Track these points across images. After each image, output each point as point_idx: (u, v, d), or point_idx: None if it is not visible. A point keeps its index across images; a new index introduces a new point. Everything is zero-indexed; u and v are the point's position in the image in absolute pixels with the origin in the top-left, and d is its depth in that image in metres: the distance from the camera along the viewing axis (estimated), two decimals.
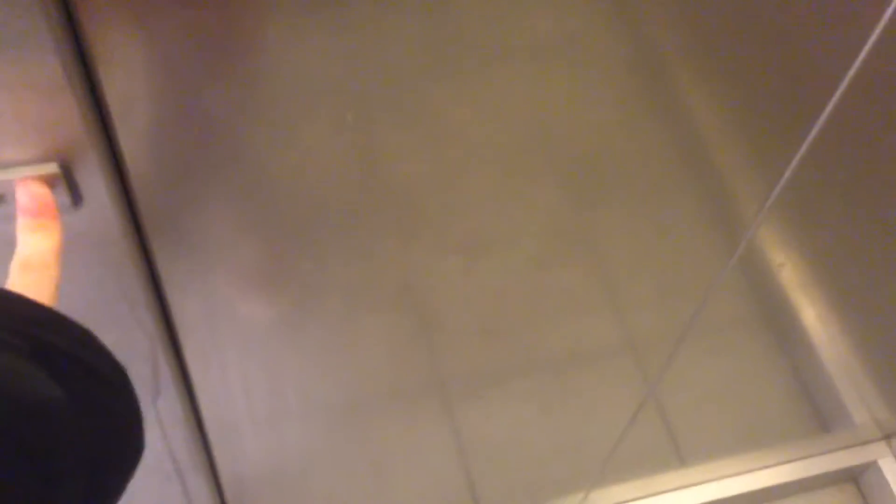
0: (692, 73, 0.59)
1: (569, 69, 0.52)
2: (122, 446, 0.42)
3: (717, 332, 1.02)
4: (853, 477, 1.25)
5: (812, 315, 1.09)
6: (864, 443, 1.23)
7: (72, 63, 0.40)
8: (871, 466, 1.23)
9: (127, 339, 0.57)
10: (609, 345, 0.96)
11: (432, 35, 0.46)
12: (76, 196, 0.45)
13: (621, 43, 0.52)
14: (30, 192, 0.43)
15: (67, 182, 0.44)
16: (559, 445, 1.09)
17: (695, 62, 0.57)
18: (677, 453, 1.19)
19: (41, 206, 0.43)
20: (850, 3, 0.54)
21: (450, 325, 0.75)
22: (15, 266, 0.43)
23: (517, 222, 0.63)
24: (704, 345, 1.00)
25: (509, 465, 1.08)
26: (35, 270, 0.43)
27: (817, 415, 1.23)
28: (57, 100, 0.40)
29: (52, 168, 0.43)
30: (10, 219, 0.44)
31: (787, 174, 0.72)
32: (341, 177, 0.55)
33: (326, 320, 0.70)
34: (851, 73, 0.59)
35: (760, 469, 1.20)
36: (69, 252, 0.47)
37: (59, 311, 0.41)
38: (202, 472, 0.71)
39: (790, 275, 1.00)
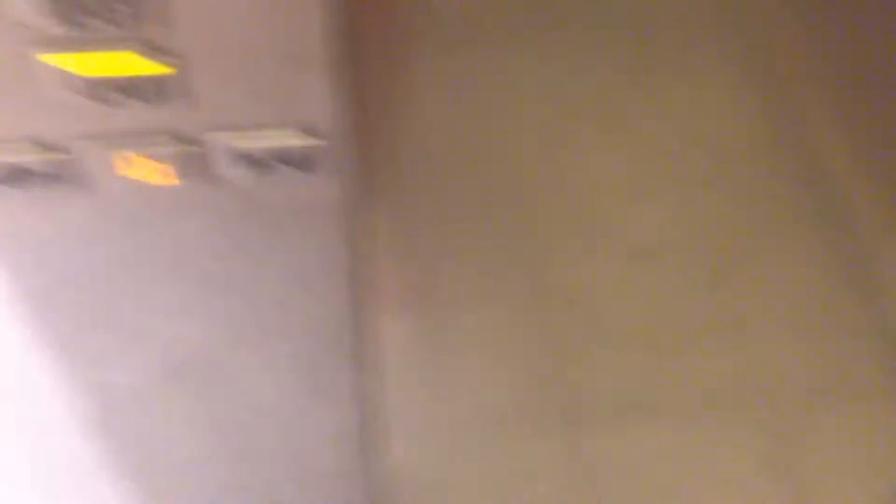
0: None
1: (750, 94, 0.56)
2: None
3: (853, 396, 1.01)
4: None
5: None
6: None
7: (334, 38, 0.46)
8: None
9: (308, 305, 0.62)
10: (748, 389, 0.96)
11: (629, 49, 0.51)
12: (316, 163, 0.51)
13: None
14: None
15: (311, 150, 0.50)
16: (685, 487, 1.09)
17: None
18: None
19: None
20: None
21: (599, 337, 0.79)
22: None
23: (691, 235, 0.67)
24: (840, 407, 0.99)
25: (634, 500, 1.08)
26: None
27: None
28: (316, 71, 0.47)
29: (303, 135, 0.50)
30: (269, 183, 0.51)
31: None
32: (525, 174, 0.60)
33: (488, 327, 0.75)
34: None
35: None
36: (287, 217, 0.54)
37: None
38: (369, 451, 0.76)
39: None
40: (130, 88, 0.45)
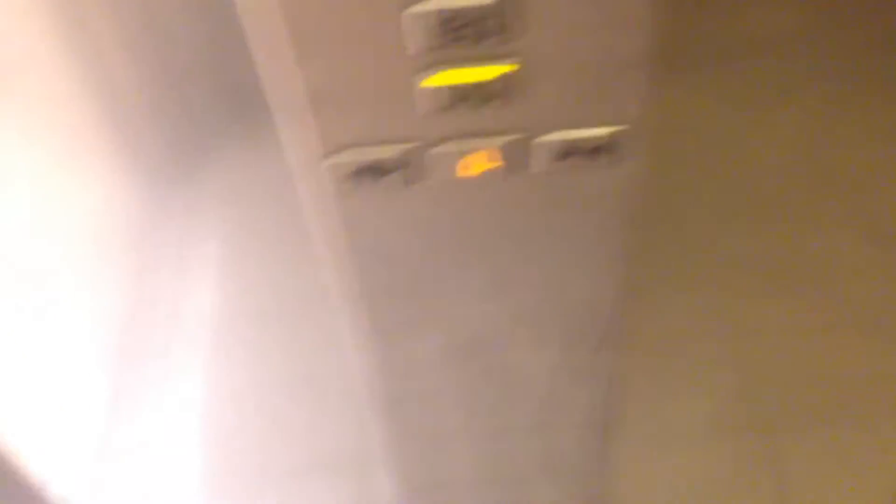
0: None
1: None
2: None
3: None
4: None
5: None
6: None
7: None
8: None
9: (587, 284, 0.68)
10: None
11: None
12: (619, 154, 0.57)
13: None
14: None
15: (618, 142, 0.57)
16: None
17: None
18: None
19: None
20: None
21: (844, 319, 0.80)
22: None
23: None
24: None
25: None
26: None
27: None
28: (633, 73, 0.53)
29: (613, 128, 0.56)
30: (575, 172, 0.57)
31: None
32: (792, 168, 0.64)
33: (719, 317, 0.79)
34: None
35: None
36: (581, 204, 0.60)
37: None
38: (607, 436, 0.82)
39: None
40: (476, 93, 0.52)
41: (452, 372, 0.73)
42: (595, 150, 0.56)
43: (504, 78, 0.51)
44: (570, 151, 0.56)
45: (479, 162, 0.56)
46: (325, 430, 0.86)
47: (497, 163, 0.56)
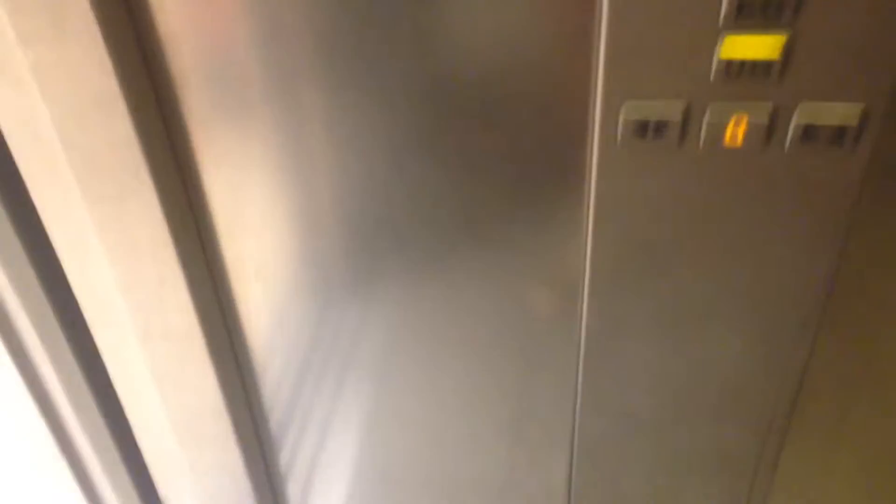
0: None
1: None
2: None
3: None
4: None
5: None
6: None
7: None
8: None
9: (798, 274, 0.74)
10: None
11: None
12: (852, 141, 0.66)
13: None
14: None
15: (856, 128, 0.65)
16: None
17: None
18: None
19: None
20: None
21: None
22: None
23: None
24: None
25: None
26: None
27: None
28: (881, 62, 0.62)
29: (853, 112, 0.65)
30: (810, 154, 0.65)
31: None
32: None
33: None
34: None
35: None
36: (805, 188, 0.68)
37: None
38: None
39: None
40: (756, 64, 0.62)
41: (653, 339, 0.80)
42: (840, 131, 0.65)
43: (784, 51, 0.61)
44: (818, 130, 0.65)
45: (743, 131, 0.65)
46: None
47: (748, 137, 0.65)
